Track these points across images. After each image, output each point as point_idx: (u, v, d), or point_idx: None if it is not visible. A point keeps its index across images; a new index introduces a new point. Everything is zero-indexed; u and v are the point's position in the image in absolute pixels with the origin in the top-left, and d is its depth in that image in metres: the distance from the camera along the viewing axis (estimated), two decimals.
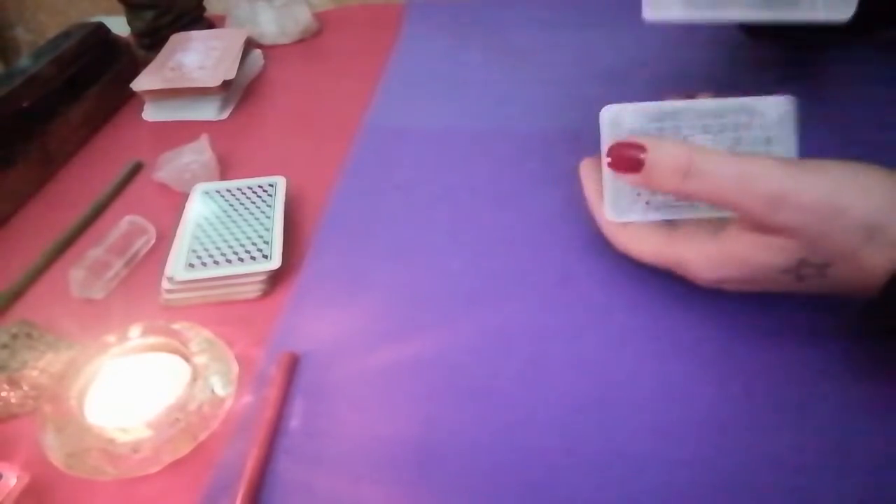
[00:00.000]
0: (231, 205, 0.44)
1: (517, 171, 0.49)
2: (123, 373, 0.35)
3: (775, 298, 0.35)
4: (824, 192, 0.28)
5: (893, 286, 0.28)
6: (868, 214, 0.27)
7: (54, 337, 0.38)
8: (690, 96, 0.41)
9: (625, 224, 0.36)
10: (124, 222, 0.45)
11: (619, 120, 0.35)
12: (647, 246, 0.35)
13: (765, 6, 0.34)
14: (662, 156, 0.31)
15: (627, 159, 0.33)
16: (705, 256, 0.32)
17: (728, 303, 0.36)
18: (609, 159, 0.34)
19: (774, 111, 0.34)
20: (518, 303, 0.38)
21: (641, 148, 0.32)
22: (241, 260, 0.40)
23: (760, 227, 0.30)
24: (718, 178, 0.30)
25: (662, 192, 0.34)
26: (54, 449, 0.31)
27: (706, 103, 0.35)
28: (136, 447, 0.31)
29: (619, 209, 0.36)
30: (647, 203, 0.35)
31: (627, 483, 0.29)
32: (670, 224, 0.36)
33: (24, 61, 0.55)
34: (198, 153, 0.50)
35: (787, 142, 0.34)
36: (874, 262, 0.28)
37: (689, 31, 0.62)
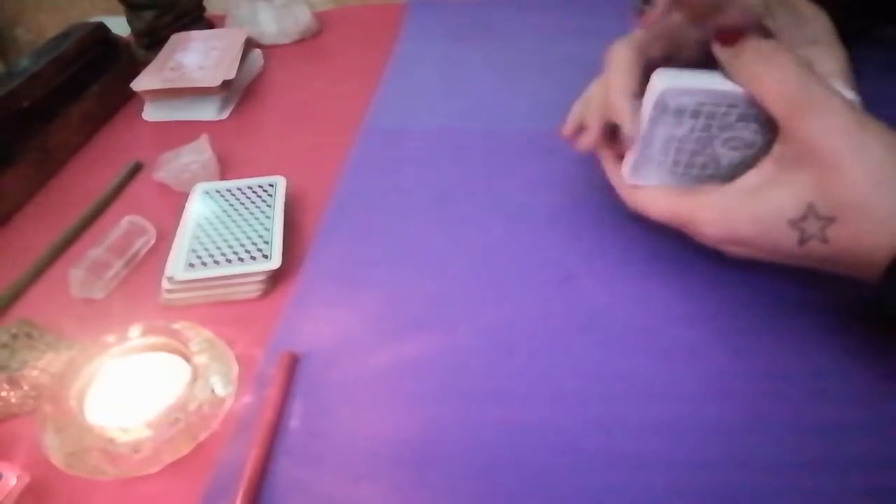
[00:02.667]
0: (231, 205, 0.44)
1: (517, 170, 0.49)
2: (123, 373, 0.35)
3: (776, 298, 0.35)
4: (869, 124, 0.28)
5: None
6: (888, 168, 0.27)
7: (54, 337, 0.38)
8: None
9: (643, 186, 0.36)
10: (124, 222, 0.45)
11: (674, 101, 0.34)
12: (661, 203, 0.35)
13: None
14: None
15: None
16: (716, 208, 0.32)
17: (729, 303, 0.36)
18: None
19: None
20: (518, 303, 0.38)
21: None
22: (241, 260, 0.40)
23: (780, 160, 0.30)
24: (792, 65, 0.30)
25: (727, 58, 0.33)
26: (54, 449, 0.31)
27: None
28: (136, 447, 0.31)
29: (641, 175, 0.36)
30: (675, 173, 0.35)
31: (628, 483, 0.29)
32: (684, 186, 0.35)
33: (24, 61, 0.55)
34: (198, 153, 0.50)
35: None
36: (879, 226, 0.27)
37: None
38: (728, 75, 0.33)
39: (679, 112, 0.33)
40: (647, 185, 0.36)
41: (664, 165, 0.35)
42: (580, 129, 0.41)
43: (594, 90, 0.38)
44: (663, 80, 0.33)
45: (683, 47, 0.35)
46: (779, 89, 0.30)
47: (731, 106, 0.33)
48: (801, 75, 0.30)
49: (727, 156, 0.34)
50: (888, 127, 0.28)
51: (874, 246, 0.28)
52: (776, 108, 0.30)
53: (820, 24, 0.37)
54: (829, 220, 0.29)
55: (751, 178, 0.32)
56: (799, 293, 0.36)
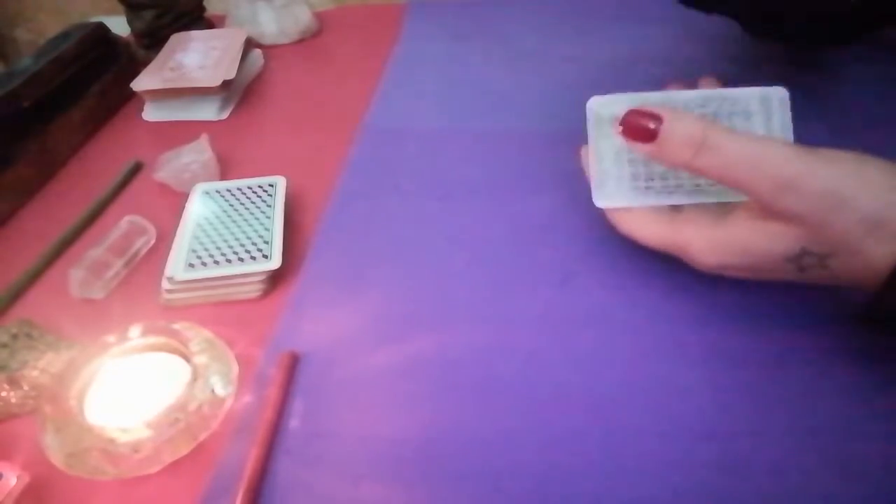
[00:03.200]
0: (231, 205, 0.44)
1: (517, 170, 0.49)
2: (123, 373, 0.35)
3: (777, 298, 0.35)
4: (831, 181, 0.28)
5: (895, 280, 0.28)
6: (871, 207, 0.27)
7: (54, 337, 0.38)
8: (691, 85, 0.41)
9: (629, 209, 0.36)
10: (124, 222, 0.45)
11: (606, 111, 0.35)
12: (651, 230, 0.35)
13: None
14: (678, 127, 0.31)
15: (642, 129, 0.32)
16: (709, 242, 0.32)
17: (729, 302, 0.36)
18: (621, 127, 0.33)
19: (769, 101, 0.34)
20: (518, 303, 0.38)
21: (658, 118, 0.32)
22: (241, 260, 0.40)
23: (765, 210, 0.30)
24: (731, 154, 0.30)
25: (670, 166, 0.34)
26: (54, 449, 0.31)
27: (692, 93, 0.35)
28: (136, 447, 0.31)
29: (605, 194, 0.36)
30: (638, 188, 0.35)
31: (628, 483, 0.29)
32: (674, 209, 0.36)
33: (24, 61, 0.55)
34: (198, 153, 0.50)
35: (785, 131, 0.34)
36: (876, 255, 0.28)
37: (691, 31, 0.62)
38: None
39: (615, 120, 0.34)
40: (634, 211, 0.36)
41: (623, 181, 0.35)
42: None
43: None
44: (596, 98, 0.35)
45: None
46: (735, 172, 0.30)
47: (676, 108, 0.33)
48: (755, 151, 0.29)
49: None
50: (856, 161, 0.29)
51: (872, 269, 0.28)
52: (746, 187, 0.30)
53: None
54: (825, 255, 0.29)
55: (740, 217, 0.32)
56: (800, 293, 0.36)
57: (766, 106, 0.34)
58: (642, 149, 0.33)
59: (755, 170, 0.29)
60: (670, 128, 0.31)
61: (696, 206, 0.35)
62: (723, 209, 0.33)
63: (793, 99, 0.34)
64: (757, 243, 0.31)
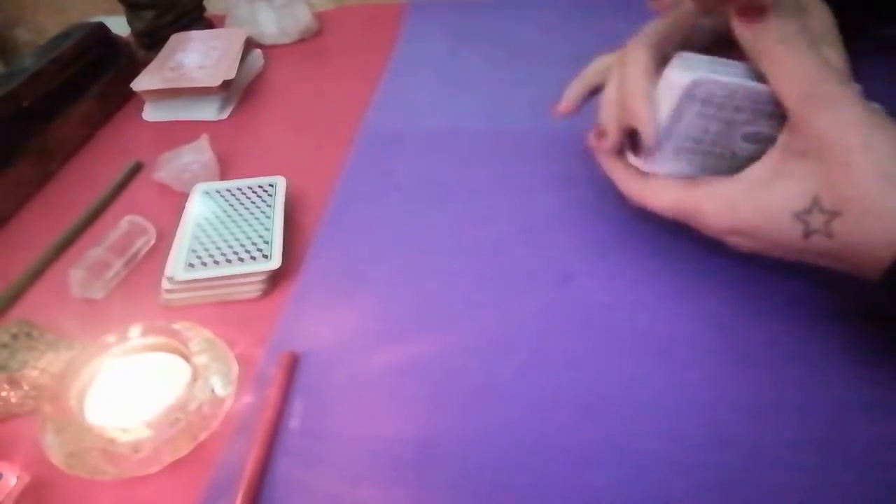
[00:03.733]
0: (231, 205, 0.44)
1: (517, 170, 0.49)
2: (123, 373, 0.35)
3: (778, 297, 0.35)
4: (872, 116, 0.28)
5: None
6: (893, 164, 0.27)
7: (54, 337, 0.38)
8: None
9: (643, 176, 0.36)
10: (124, 222, 0.45)
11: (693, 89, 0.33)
12: (666, 195, 0.35)
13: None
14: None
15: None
16: (722, 200, 0.32)
17: (729, 302, 0.36)
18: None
19: None
20: (518, 303, 0.38)
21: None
22: (241, 260, 0.40)
23: (786, 151, 0.30)
24: (794, 51, 0.29)
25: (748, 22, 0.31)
26: (54, 449, 0.31)
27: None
28: (136, 447, 0.31)
29: (655, 161, 0.35)
30: (686, 157, 0.35)
31: (629, 483, 0.29)
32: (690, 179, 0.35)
33: (24, 61, 0.55)
34: (198, 153, 0.50)
35: None
36: (884, 221, 0.27)
37: None
38: (747, 57, 0.32)
39: (706, 102, 0.33)
40: (651, 179, 0.36)
41: (681, 155, 0.35)
42: (575, 108, 0.42)
43: (610, 93, 0.37)
44: (690, 69, 0.33)
45: (696, 40, 0.35)
46: (794, 79, 0.30)
47: (759, 102, 0.32)
48: (818, 67, 0.29)
49: (745, 148, 0.34)
50: None
51: (878, 242, 0.27)
52: (790, 96, 0.30)
53: (823, 18, 0.37)
54: (834, 213, 0.28)
55: (756, 169, 0.32)
56: (802, 291, 0.36)
57: None
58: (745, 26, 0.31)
59: (817, 69, 0.29)
60: (776, 14, 0.30)
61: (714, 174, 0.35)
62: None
63: None
64: (769, 191, 0.30)
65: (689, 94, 0.33)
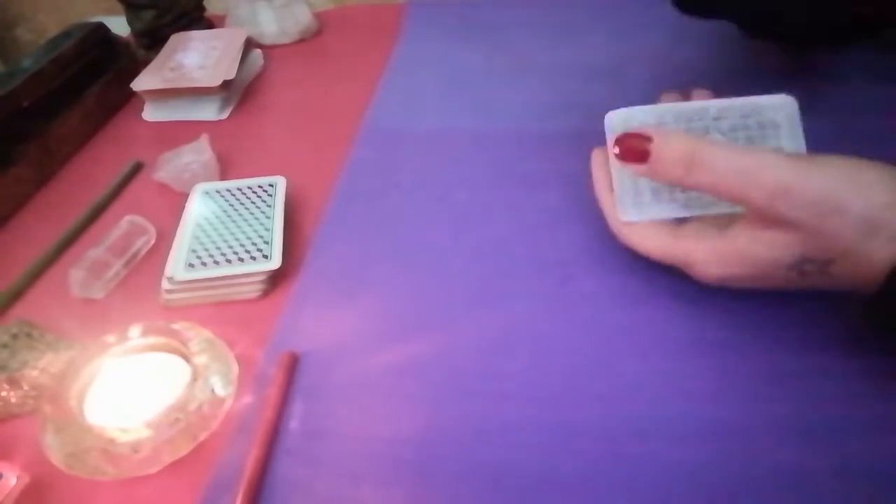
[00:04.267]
0: (231, 205, 0.44)
1: (517, 171, 0.49)
2: (123, 373, 0.35)
3: (777, 298, 0.35)
4: (827, 187, 0.28)
5: (894, 281, 0.28)
6: (869, 210, 0.28)
7: (54, 337, 0.38)
8: (686, 95, 0.41)
9: (631, 223, 0.36)
10: (124, 222, 0.45)
11: (628, 122, 0.35)
12: (654, 242, 0.35)
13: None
14: (667, 147, 0.32)
15: (635, 150, 0.33)
16: (711, 253, 0.33)
17: (728, 301, 0.36)
18: (617, 150, 0.34)
19: (781, 110, 0.35)
20: (518, 303, 0.38)
21: (648, 139, 0.33)
22: (241, 260, 0.40)
23: (764, 220, 0.30)
24: (722, 169, 0.30)
25: (667, 183, 0.34)
26: (54, 449, 0.31)
27: (712, 104, 0.35)
28: (136, 447, 0.31)
29: (627, 209, 0.36)
30: (659, 201, 0.36)
31: (629, 483, 0.29)
32: (678, 221, 0.36)
33: (24, 61, 0.55)
34: (198, 153, 0.50)
35: (798, 140, 0.35)
36: (876, 258, 0.28)
37: (688, 31, 0.62)
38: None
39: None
40: (637, 224, 0.36)
41: (661, 195, 0.36)
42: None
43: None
44: (616, 111, 0.35)
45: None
46: (732, 187, 0.30)
47: (699, 115, 0.34)
48: (748, 164, 0.30)
49: None
50: (851, 166, 0.29)
51: (873, 269, 0.28)
52: (745, 200, 0.30)
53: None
54: (826, 262, 0.29)
55: (739, 227, 0.32)
56: (802, 291, 0.36)
57: (784, 114, 0.35)
58: (637, 169, 0.34)
59: (747, 181, 0.30)
60: (660, 147, 0.32)
61: (700, 219, 0.35)
62: (726, 221, 0.33)
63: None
64: (757, 252, 0.31)
65: (619, 126, 0.35)
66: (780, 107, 0.35)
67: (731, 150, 0.31)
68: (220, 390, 0.34)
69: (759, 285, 0.33)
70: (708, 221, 0.35)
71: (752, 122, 0.35)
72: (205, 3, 0.74)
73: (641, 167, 0.33)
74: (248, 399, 0.34)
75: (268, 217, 0.43)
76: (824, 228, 0.28)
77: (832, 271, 0.30)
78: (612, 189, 0.37)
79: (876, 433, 0.30)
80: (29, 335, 0.37)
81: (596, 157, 0.39)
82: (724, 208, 0.34)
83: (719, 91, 0.38)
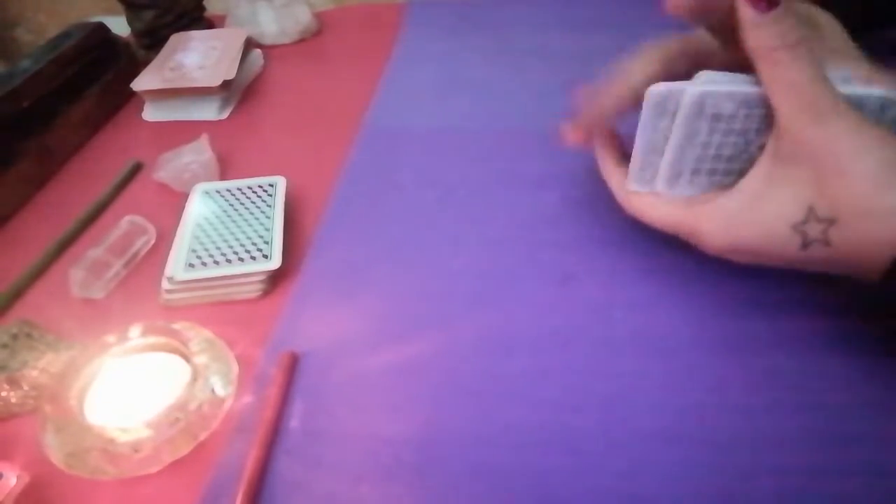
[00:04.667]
0: (231, 205, 0.44)
1: (517, 170, 0.49)
2: (123, 373, 0.35)
3: (778, 298, 0.35)
4: (858, 128, 0.28)
5: None
6: (884, 165, 0.27)
7: (54, 337, 0.38)
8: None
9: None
10: (124, 222, 0.45)
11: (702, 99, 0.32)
12: (663, 211, 0.35)
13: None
14: (789, 15, 0.30)
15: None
16: (720, 218, 0.32)
17: (730, 302, 0.36)
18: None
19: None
20: (518, 302, 0.38)
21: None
22: (241, 260, 0.40)
23: (779, 155, 0.30)
24: (797, 69, 0.30)
25: (755, 43, 0.31)
26: (54, 449, 0.31)
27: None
28: (136, 447, 0.31)
29: (644, 180, 0.36)
30: (687, 177, 0.35)
31: (629, 481, 0.29)
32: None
33: (24, 61, 0.55)
34: (198, 153, 0.50)
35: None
36: (881, 224, 0.27)
37: (688, 28, 0.62)
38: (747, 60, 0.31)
39: (717, 117, 0.32)
40: (649, 193, 0.36)
41: (699, 178, 0.35)
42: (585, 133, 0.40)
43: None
44: (697, 85, 0.32)
45: (707, 66, 0.35)
46: (790, 89, 0.30)
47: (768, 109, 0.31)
48: (814, 77, 0.29)
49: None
50: (888, 132, 0.28)
51: (875, 244, 0.28)
52: (782, 105, 0.30)
53: (836, 32, 0.37)
54: (830, 221, 0.29)
55: (749, 180, 0.32)
56: (801, 292, 0.36)
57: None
58: (751, 13, 0.31)
59: (813, 90, 0.29)
60: (785, 12, 0.30)
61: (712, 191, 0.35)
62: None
63: None
64: (766, 209, 0.30)
65: (697, 111, 0.32)
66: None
67: (816, 64, 0.30)
68: (220, 390, 0.34)
69: (762, 259, 0.32)
70: (717, 192, 0.34)
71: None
72: (205, 3, 0.74)
73: (758, 14, 0.30)
74: (248, 399, 0.34)
75: (268, 217, 0.43)
76: (839, 172, 0.28)
77: (834, 238, 0.29)
78: (618, 163, 0.36)
79: (879, 433, 0.30)
80: (29, 335, 0.37)
81: (599, 132, 0.39)
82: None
83: None
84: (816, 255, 0.30)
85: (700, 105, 0.32)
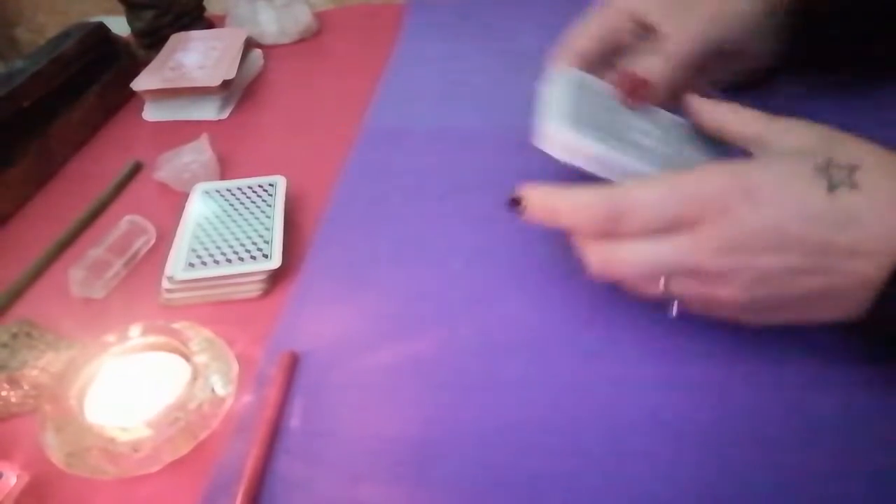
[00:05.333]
0: (231, 204, 0.44)
1: (517, 170, 0.48)
2: (123, 372, 0.35)
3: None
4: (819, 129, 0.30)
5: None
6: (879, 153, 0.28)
7: (54, 336, 0.38)
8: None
9: (607, 245, 0.32)
10: (124, 222, 0.45)
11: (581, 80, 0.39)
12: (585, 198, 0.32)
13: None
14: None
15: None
16: (740, 189, 0.29)
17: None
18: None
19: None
20: (518, 302, 0.38)
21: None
22: (241, 259, 0.40)
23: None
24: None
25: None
26: (54, 448, 0.31)
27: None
28: (136, 446, 0.31)
29: (564, 124, 0.36)
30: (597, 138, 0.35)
31: (629, 482, 0.29)
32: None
33: (24, 61, 0.55)
34: (198, 153, 0.50)
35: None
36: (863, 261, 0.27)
37: None
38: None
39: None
40: (620, 253, 0.31)
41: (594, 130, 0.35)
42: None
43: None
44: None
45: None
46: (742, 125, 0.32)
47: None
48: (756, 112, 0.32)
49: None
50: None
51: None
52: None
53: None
54: (853, 167, 0.28)
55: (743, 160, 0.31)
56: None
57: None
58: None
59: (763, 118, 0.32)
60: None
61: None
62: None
63: None
64: (780, 163, 0.29)
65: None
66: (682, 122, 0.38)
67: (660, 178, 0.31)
68: (220, 390, 0.34)
69: (789, 207, 0.28)
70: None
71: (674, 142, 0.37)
72: (205, 3, 0.74)
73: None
74: (248, 398, 0.34)
75: (268, 217, 0.43)
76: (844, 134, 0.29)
77: (861, 180, 0.27)
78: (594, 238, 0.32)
79: (877, 437, 0.30)
80: (29, 335, 0.37)
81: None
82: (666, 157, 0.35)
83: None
84: (846, 205, 0.27)
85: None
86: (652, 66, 0.39)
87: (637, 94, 0.37)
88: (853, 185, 0.27)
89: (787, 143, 0.30)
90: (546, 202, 0.33)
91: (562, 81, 0.38)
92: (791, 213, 0.28)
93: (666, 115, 0.38)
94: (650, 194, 0.30)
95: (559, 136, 0.36)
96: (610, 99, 0.38)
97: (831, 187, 0.27)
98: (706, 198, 0.29)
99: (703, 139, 0.36)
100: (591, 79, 0.40)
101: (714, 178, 0.29)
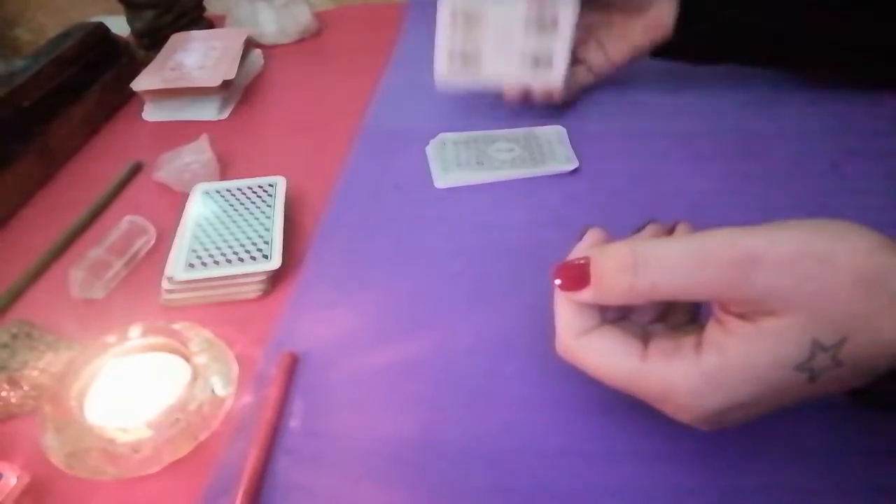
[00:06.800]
0: (231, 205, 0.44)
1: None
2: (123, 373, 0.35)
3: None
4: (801, 242, 0.24)
5: None
6: (854, 258, 0.23)
7: (54, 337, 0.38)
8: (671, 230, 0.34)
9: (582, 335, 0.29)
10: (124, 222, 0.45)
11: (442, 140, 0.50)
12: (614, 364, 0.28)
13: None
14: (604, 258, 0.28)
15: (575, 275, 0.28)
16: (700, 379, 0.26)
17: None
18: (559, 282, 0.29)
19: (554, 135, 0.50)
20: (518, 302, 0.38)
21: (584, 261, 0.28)
22: (241, 260, 0.40)
23: (748, 312, 0.25)
24: (672, 259, 0.26)
25: (619, 303, 0.28)
26: (54, 449, 0.31)
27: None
28: (136, 447, 0.31)
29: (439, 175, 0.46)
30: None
31: (628, 481, 0.29)
32: (641, 338, 0.28)
33: (24, 61, 0.55)
34: (198, 153, 0.50)
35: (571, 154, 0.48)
36: (888, 326, 0.23)
37: None
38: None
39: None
40: (591, 337, 0.28)
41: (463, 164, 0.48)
42: None
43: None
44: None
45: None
46: (687, 277, 0.25)
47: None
48: (689, 245, 0.26)
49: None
50: (814, 222, 0.25)
51: (888, 344, 0.24)
52: (710, 295, 0.26)
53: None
54: (839, 343, 0.24)
55: (720, 335, 0.26)
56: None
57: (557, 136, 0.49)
58: (584, 296, 0.28)
59: (707, 262, 0.25)
60: (598, 262, 0.28)
61: (667, 336, 0.29)
62: (693, 340, 0.27)
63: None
64: (757, 353, 0.25)
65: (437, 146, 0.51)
66: (552, 132, 0.50)
67: (674, 239, 0.27)
68: (220, 390, 0.34)
69: (764, 407, 0.26)
70: (678, 341, 0.28)
71: (534, 146, 0.49)
72: (205, 3, 0.74)
73: (588, 291, 0.28)
74: (247, 399, 0.34)
75: (268, 217, 0.43)
76: (821, 290, 0.24)
77: (845, 358, 0.24)
78: (576, 306, 0.29)
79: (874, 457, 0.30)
80: (29, 335, 0.37)
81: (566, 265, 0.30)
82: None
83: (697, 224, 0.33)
84: (829, 379, 0.25)
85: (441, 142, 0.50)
86: None
87: None
88: (838, 365, 0.24)
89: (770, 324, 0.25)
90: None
91: (433, 144, 0.51)
92: (764, 409, 0.26)
93: (520, 130, 0.52)
94: (612, 366, 0.28)
95: (446, 182, 0.48)
96: (470, 140, 0.51)
97: (812, 380, 0.25)
98: (653, 388, 0.27)
99: (548, 135, 0.50)
100: (452, 135, 0.52)
101: (675, 364, 0.27)
